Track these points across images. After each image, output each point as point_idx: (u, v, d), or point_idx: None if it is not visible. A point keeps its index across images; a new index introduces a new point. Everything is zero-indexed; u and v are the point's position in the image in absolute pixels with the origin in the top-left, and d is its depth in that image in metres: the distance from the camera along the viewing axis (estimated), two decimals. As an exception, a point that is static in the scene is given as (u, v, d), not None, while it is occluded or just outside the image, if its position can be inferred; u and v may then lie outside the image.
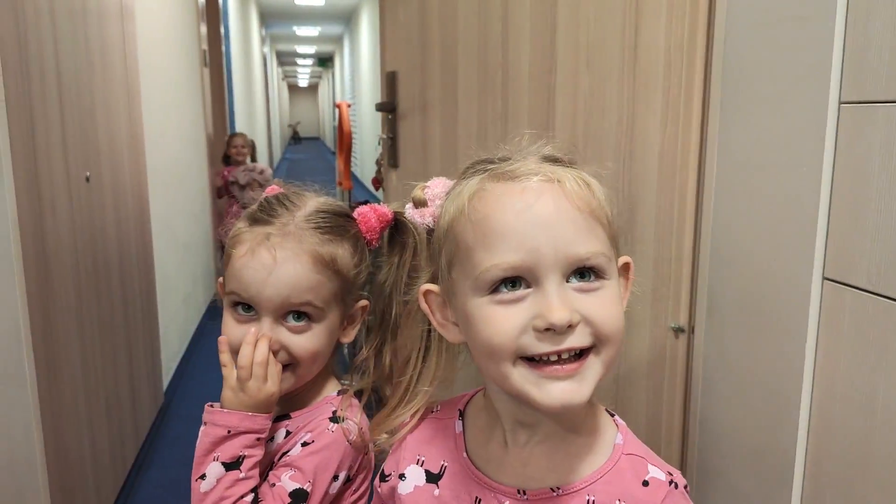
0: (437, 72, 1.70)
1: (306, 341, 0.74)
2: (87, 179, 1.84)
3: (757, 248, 0.98)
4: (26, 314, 1.04)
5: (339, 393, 0.80)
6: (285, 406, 0.79)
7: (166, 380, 2.87)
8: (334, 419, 0.76)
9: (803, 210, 0.89)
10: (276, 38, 14.62)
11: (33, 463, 1.05)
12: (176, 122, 3.37)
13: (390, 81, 1.88)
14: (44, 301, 1.43)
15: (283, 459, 0.75)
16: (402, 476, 0.65)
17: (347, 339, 0.80)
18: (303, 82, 28.98)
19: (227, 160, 4.46)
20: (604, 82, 1.29)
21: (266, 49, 12.61)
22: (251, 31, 9.14)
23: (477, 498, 0.60)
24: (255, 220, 0.76)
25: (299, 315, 0.74)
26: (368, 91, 8.55)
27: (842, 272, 0.85)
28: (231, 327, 0.74)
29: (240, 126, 6.11)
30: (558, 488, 0.57)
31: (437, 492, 0.62)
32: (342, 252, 0.76)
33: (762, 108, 1.00)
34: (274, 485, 0.73)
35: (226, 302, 0.75)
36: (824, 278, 0.88)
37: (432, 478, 0.63)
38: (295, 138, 22.37)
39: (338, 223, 0.77)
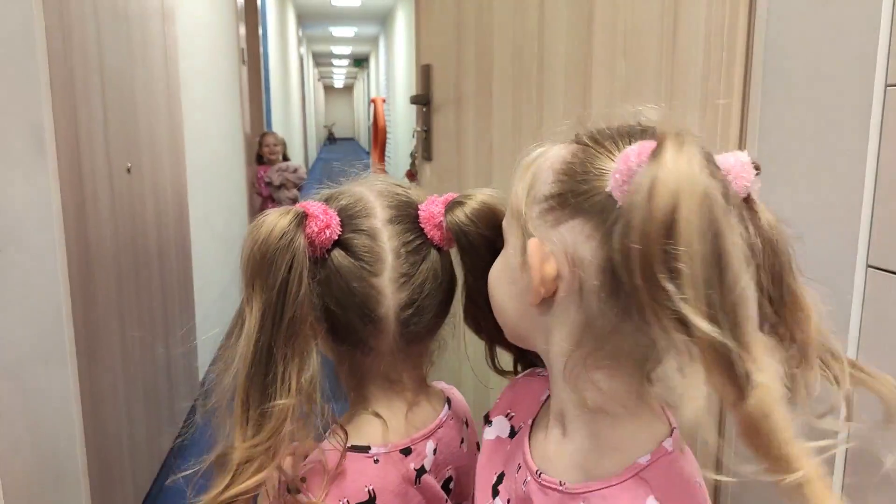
0: (472, 64, 1.70)
1: None
2: (129, 170, 1.89)
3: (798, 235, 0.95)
4: (68, 298, 1.07)
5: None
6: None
7: (202, 372, 2.92)
8: None
9: (846, 196, 0.87)
10: (313, 38, 14.79)
11: (72, 445, 1.07)
12: (215, 120, 3.43)
13: (425, 74, 1.88)
14: (85, 287, 1.46)
15: None
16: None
17: None
18: (338, 83, 29.26)
19: (260, 159, 4.51)
20: (641, 70, 1.27)
21: (303, 50, 12.76)
22: (288, 31, 9.26)
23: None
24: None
25: None
26: (403, 91, 8.59)
27: (887, 259, 0.82)
28: None
29: (276, 125, 6.19)
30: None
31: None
32: None
33: (805, 92, 0.98)
34: None
35: None
36: (868, 266, 0.85)
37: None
38: (330, 139, 22.60)
39: None
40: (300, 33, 12.00)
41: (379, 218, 0.66)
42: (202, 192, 3.00)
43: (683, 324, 0.41)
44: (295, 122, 9.92)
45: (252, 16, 5.01)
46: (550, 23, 1.43)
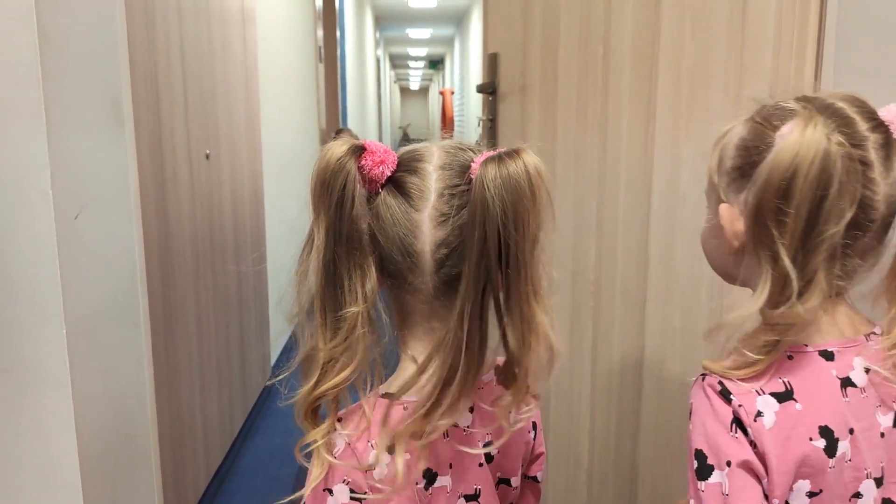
0: (538, 51, 1.70)
1: None
2: (207, 157, 1.98)
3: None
4: (142, 263, 1.12)
5: None
6: None
7: (274, 355, 3.02)
8: None
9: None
10: (390, 40, 15.03)
11: (143, 404, 1.13)
12: (290, 114, 3.55)
13: (491, 63, 1.89)
14: (163, 260, 1.55)
15: None
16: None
17: None
18: (414, 85, 29.60)
19: None
20: (709, 51, 1.25)
21: (380, 52, 12.99)
22: (366, 33, 9.44)
23: None
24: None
25: None
26: (475, 93, 8.62)
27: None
28: None
29: (351, 124, 6.33)
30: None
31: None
32: None
33: (880, 70, 0.93)
34: None
35: None
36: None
37: None
38: (405, 139, 22.91)
39: None
40: (377, 35, 12.22)
41: (432, 163, 0.70)
42: (276, 183, 3.11)
43: (774, 259, 0.63)
44: (371, 121, 10.10)
45: (330, 17, 5.15)
46: (617, 6, 1.42)
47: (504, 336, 0.68)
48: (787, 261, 0.63)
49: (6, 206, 0.78)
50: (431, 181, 0.69)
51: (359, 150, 0.67)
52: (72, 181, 0.83)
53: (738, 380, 0.68)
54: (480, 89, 1.95)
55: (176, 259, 1.69)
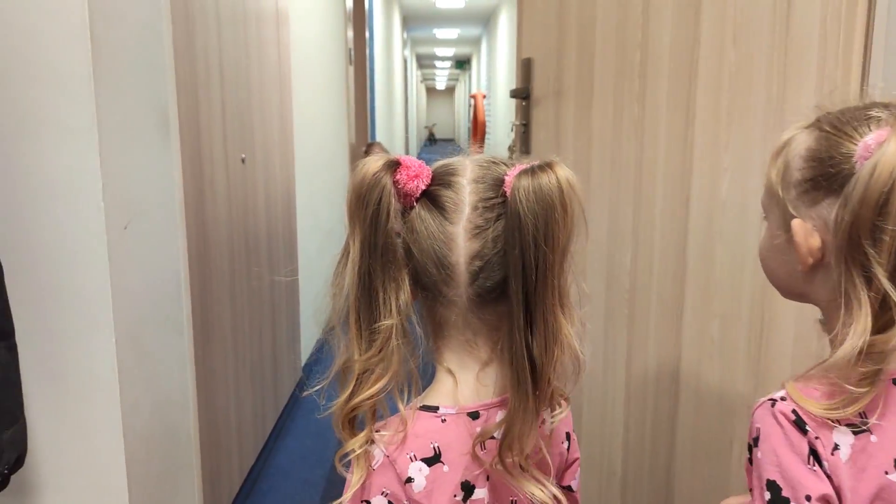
0: (573, 56, 1.69)
1: None
2: (243, 161, 2.00)
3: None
4: (187, 272, 1.15)
5: None
6: None
7: (304, 356, 3.05)
8: None
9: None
10: (417, 41, 15.05)
11: (186, 410, 1.16)
12: (321, 117, 3.58)
13: (525, 68, 1.89)
14: (201, 265, 1.57)
15: None
16: None
17: None
18: (440, 85, 29.62)
19: None
20: (751, 58, 1.23)
21: (407, 52, 13.02)
22: (393, 34, 9.48)
23: None
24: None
25: None
26: (504, 91, 8.61)
27: None
28: None
29: (379, 125, 6.36)
30: None
31: None
32: None
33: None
34: None
35: None
36: None
37: None
38: (430, 139, 22.92)
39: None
40: (405, 35, 12.25)
41: (466, 177, 0.71)
42: (307, 185, 3.13)
43: (869, 279, 0.60)
44: (398, 122, 10.14)
45: (360, 18, 5.18)
46: (655, 11, 1.40)
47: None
48: (885, 281, 0.60)
49: (60, 218, 0.80)
50: (466, 194, 0.70)
51: (394, 165, 0.69)
52: (122, 192, 0.85)
53: (834, 419, 0.64)
54: (514, 94, 1.95)
55: (213, 263, 1.71)
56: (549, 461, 0.77)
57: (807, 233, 0.66)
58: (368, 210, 0.67)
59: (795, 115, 1.14)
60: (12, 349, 0.69)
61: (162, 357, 1.02)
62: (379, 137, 6.54)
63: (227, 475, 1.87)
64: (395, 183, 0.68)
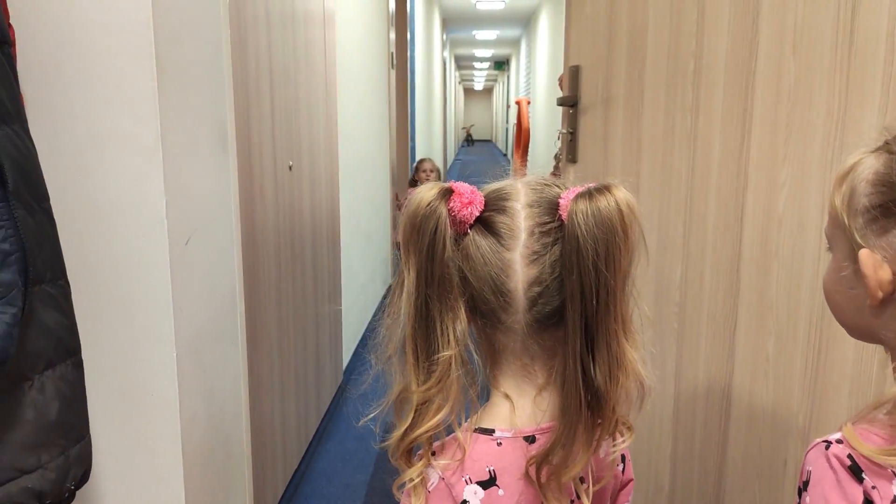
0: (623, 64, 1.67)
1: None
2: (290, 168, 2.02)
3: None
4: (241, 284, 1.17)
5: None
6: None
7: (345, 360, 3.08)
8: None
9: None
10: (456, 42, 15.06)
11: (238, 419, 1.18)
12: (365, 121, 3.60)
13: (573, 76, 1.87)
14: (251, 275, 1.59)
15: None
16: None
17: None
18: (478, 86, 29.58)
19: (415, 184, 4.58)
20: (812, 70, 1.20)
21: (446, 53, 13.04)
22: (433, 36, 9.49)
23: None
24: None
25: None
26: (544, 92, 8.56)
27: None
28: None
29: (418, 127, 6.37)
30: None
31: None
32: None
33: None
34: None
35: None
36: None
37: None
38: (468, 140, 22.91)
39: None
40: (444, 37, 12.27)
41: (520, 202, 0.70)
42: (350, 189, 3.16)
43: None
44: (436, 124, 10.16)
45: (402, 21, 5.20)
46: (711, 19, 1.38)
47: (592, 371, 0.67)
48: None
49: (124, 233, 0.82)
50: (521, 219, 0.70)
51: (447, 193, 0.69)
52: (184, 208, 0.86)
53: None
54: (561, 102, 1.93)
55: (261, 271, 1.74)
56: (603, 485, 0.76)
57: (876, 264, 0.61)
58: (424, 240, 0.67)
59: (857, 131, 1.11)
60: (79, 366, 0.71)
61: (218, 369, 1.04)
62: (418, 139, 6.56)
63: (272, 480, 1.89)
64: (449, 211, 0.68)
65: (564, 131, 1.94)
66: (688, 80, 1.44)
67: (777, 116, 1.24)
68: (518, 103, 3.46)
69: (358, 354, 3.34)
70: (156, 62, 0.78)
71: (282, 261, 1.96)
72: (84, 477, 0.71)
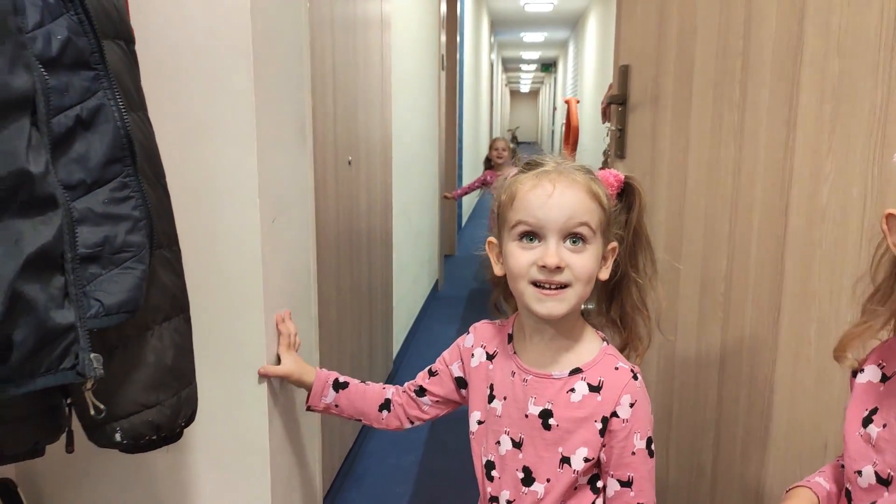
0: (672, 63, 1.73)
1: (584, 260, 0.86)
2: (349, 163, 2.14)
3: None
4: (315, 267, 1.27)
5: (607, 343, 0.94)
6: (571, 360, 0.91)
7: (395, 350, 3.18)
8: (635, 376, 0.91)
9: None
10: (504, 44, 15.11)
11: (313, 423, 1.28)
12: (416, 121, 3.71)
13: (623, 75, 1.94)
14: (318, 262, 1.70)
15: (624, 426, 0.89)
16: (861, 370, 0.82)
17: (603, 276, 0.91)
18: (524, 88, 29.52)
19: (489, 163, 4.68)
20: (855, 68, 1.24)
21: (493, 56, 13.11)
22: (482, 39, 9.58)
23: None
24: (530, 167, 0.89)
25: (575, 239, 0.86)
26: (591, 94, 8.56)
27: None
28: (518, 256, 0.87)
29: (466, 129, 6.47)
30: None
31: (881, 389, 0.78)
32: (603, 192, 0.88)
33: None
34: (634, 452, 0.88)
35: (510, 237, 0.89)
36: None
37: (883, 379, 0.79)
38: (514, 142, 22.94)
39: (593, 174, 0.89)
40: (492, 39, 12.34)
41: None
42: (402, 187, 3.27)
43: None
44: (483, 126, 10.24)
45: (452, 23, 5.30)
46: (758, 20, 1.43)
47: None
48: None
49: (222, 210, 0.93)
50: None
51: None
52: (272, 190, 0.97)
53: None
54: (612, 100, 2.00)
55: (324, 260, 1.85)
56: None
57: None
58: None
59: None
60: (188, 321, 0.82)
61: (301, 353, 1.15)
62: (466, 141, 6.65)
63: (329, 456, 2.00)
64: None
65: (613, 128, 2.01)
66: (735, 79, 1.50)
67: (821, 112, 1.29)
68: (567, 102, 3.52)
69: (406, 345, 3.44)
70: (253, 61, 0.89)
71: (341, 252, 2.07)
72: (191, 417, 0.82)
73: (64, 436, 0.80)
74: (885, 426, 0.74)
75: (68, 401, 0.76)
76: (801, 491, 0.88)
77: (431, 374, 1.04)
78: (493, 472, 0.94)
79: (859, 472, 0.74)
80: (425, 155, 4.09)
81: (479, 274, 4.84)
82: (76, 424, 0.77)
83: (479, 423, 0.97)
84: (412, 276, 3.65)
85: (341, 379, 1.08)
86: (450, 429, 2.55)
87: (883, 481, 0.72)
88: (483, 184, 4.52)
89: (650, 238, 0.96)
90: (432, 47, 4.26)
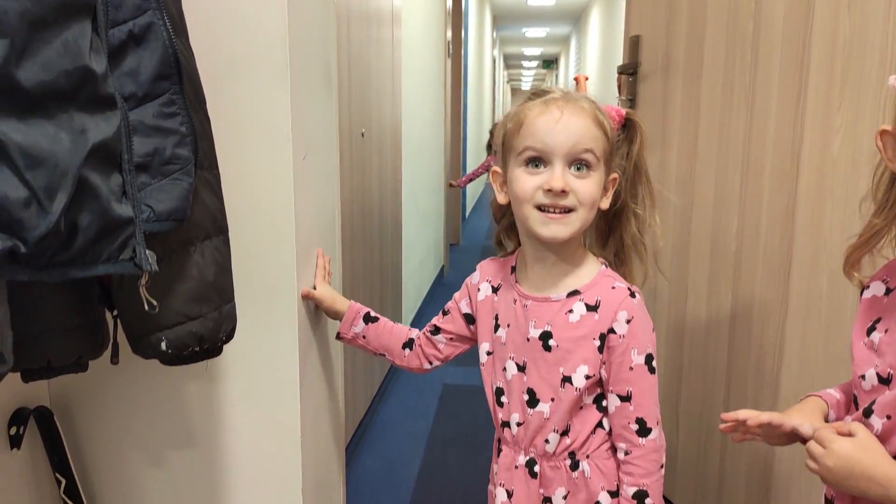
0: (683, 30, 1.76)
1: (588, 186, 0.89)
2: (363, 135, 2.17)
3: None
4: (339, 214, 1.30)
5: (606, 267, 0.96)
6: (570, 284, 0.94)
7: (406, 322, 3.22)
8: (633, 294, 0.92)
9: None
10: (506, 40, 15.14)
11: (338, 361, 1.31)
12: (424, 105, 3.75)
13: (633, 46, 1.97)
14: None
15: (621, 342, 0.91)
16: (867, 287, 0.84)
17: (604, 205, 0.93)
18: (525, 85, 29.52)
19: (490, 149, 4.74)
20: (866, 24, 1.27)
21: (496, 52, 13.14)
22: (485, 33, 9.62)
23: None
24: (537, 95, 0.92)
25: (580, 166, 0.89)
26: (594, 88, 8.59)
27: None
28: (524, 181, 0.90)
29: (470, 125, 6.50)
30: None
31: (885, 302, 0.81)
32: (607, 122, 0.90)
33: None
34: (632, 367, 0.91)
35: (517, 163, 0.91)
36: None
37: (887, 292, 0.82)
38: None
39: (598, 104, 0.92)
40: (494, 35, 12.37)
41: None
42: (410, 169, 3.30)
43: None
44: (486, 118, 10.28)
45: (458, 17, 5.33)
46: (770, -18, 1.46)
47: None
48: None
49: (257, 148, 0.96)
50: None
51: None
52: (303, 129, 1.00)
53: None
54: (622, 70, 2.03)
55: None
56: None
57: None
58: None
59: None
60: (227, 244, 0.85)
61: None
62: (469, 135, 6.69)
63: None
64: None
65: (623, 98, 2.03)
66: (747, 41, 1.53)
67: (833, 68, 1.32)
68: (577, 80, 3.56)
69: (418, 319, 3.48)
70: (288, 16, 0.93)
71: (355, 224, 2.10)
72: (231, 332, 0.85)
73: (108, 354, 0.83)
74: (886, 331, 0.77)
75: (115, 313, 0.79)
76: (812, 399, 0.91)
77: (444, 313, 1.08)
78: (503, 398, 0.97)
79: (863, 377, 0.78)
80: (432, 142, 4.12)
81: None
82: (122, 339, 0.80)
83: (489, 353, 1.01)
84: (419, 258, 3.68)
85: (372, 313, 1.11)
86: (461, 399, 2.58)
87: (884, 381, 0.75)
88: (487, 169, 4.57)
89: (649, 173, 0.99)
90: (439, 39, 4.30)
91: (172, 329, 0.77)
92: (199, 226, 0.79)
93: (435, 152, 4.25)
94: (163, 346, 0.77)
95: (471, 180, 4.86)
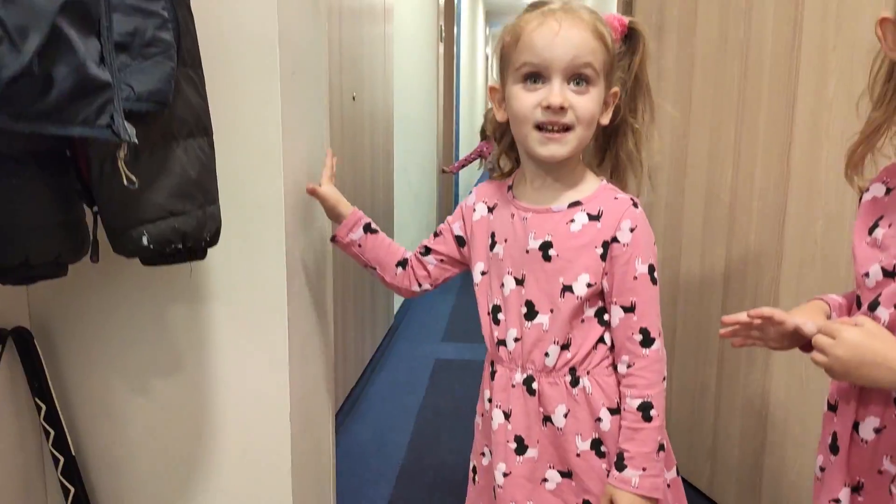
0: (678, -13, 1.75)
1: (588, 102, 0.86)
2: (353, 98, 2.15)
3: None
4: (328, 140, 1.27)
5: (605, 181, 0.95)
6: (571, 196, 0.93)
7: (396, 306, 3.20)
8: (635, 204, 0.90)
9: None
10: (498, 37, 15.15)
11: (327, 336, 1.29)
12: (418, 89, 3.73)
13: (627, 6, 1.96)
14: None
15: (625, 251, 0.89)
16: (867, 190, 0.82)
17: (604, 121, 0.91)
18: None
19: (484, 134, 4.70)
20: (862, -37, 1.27)
21: (489, 50, 13.14)
22: (477, 29, 9.62)
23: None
24: (535, 6, 0.90)
25: (579, 81, 0.86)
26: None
27: None
28: (522, 98, 0.88)
29: (462, 112, 6.49)
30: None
31: (886, 200, 0.79)
32: (608, 33, 0.88)
33: None
34: (636, 277, 0.89)
35: (514, 79, 0.89)
36: None
37: (887, 192, 0.80)
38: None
39: (598, 15, 0.90)
40: (487, 32, 12.38)
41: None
42: (402, 147, 3.28)
43: None
44: (479, 108, 10.30)
45: (450, 10, 5.32)
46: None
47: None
48: None
49: (244, 59, 0.94)
50: None
51: None
52: (290, 48, 0.98)
53: None
54: (615, 32, 2.02)
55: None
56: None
57: None
58: None
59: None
60: (212, 146, 0.82)
61: (316, 222, 1.17)
62: (462, 124, 6.68)
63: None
64: None
65: (617, 61, 2.02)
66: (741, -10, 1.51)
67: (827, 9, 1.31)
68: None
69: (408, 303, 3.46)
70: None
71: (346, 184, 2.08)
72: (216, 234, 0.82)
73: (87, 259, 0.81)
74: (890, 226, 0.76)
75: (95, 209, 0.77)
76: (814, 301, 0.89)
77: (436, 235, 1.06)
78: (500, 315, 0.95)
79: (866, 275, 0.76)
80: (425, 121, 4.11)
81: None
82: (102, 236, 0.78)
83: (483, 273, 0.99)
84: (411, 236, 3.65)
85: (373, 225, 1.09)
86: (453, 374, 2.56)
87: (889, 273, 0.74)
88: (479, 155, 4.54)
89: (650, 86, 0.97)
90: (432, 32, 4.29)
91: (154, 223, 0.74)
92: (182, 122, 0.77)
93: (427, 133, 4.23)
94: (144, 240, 0.74)
95: (463, 166, 4.84)
